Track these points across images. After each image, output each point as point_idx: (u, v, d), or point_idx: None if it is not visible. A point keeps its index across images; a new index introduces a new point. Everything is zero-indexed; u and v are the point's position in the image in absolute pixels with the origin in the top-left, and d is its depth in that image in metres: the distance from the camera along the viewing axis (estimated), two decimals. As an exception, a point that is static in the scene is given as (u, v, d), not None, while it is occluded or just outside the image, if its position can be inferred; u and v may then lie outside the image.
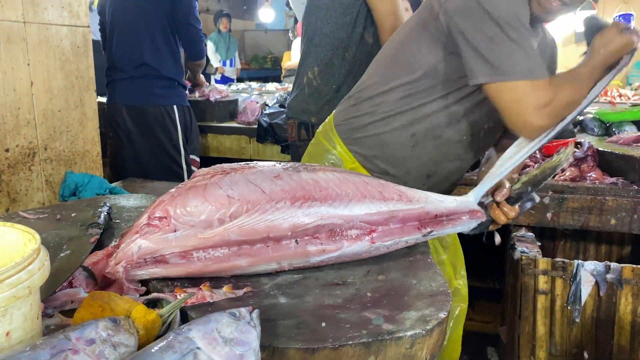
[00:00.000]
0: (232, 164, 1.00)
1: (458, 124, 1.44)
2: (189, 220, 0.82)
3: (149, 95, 2.79)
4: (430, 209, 1.03)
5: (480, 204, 1.20)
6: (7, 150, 1.97)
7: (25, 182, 2.05)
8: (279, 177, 0.89)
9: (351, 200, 0.91)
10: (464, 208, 1.10)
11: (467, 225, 1.13)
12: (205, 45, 7.17)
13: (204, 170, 0.97)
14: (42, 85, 2.09)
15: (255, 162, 1.00)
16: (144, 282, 0.95)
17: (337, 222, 0.91)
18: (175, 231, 0.82)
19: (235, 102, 3.57)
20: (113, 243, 1.14)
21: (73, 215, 1.31)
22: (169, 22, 2.82)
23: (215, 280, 0.91)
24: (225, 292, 0.87)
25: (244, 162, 1.01)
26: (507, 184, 1.26)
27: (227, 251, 0.85)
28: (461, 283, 1.70)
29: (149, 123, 2.80)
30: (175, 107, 2.84)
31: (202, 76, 3.63)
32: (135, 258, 0.82)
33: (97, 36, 3.00)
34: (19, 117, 2.00)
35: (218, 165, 0.99)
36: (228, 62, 7.34)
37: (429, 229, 1.03)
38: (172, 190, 0.91)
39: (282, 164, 0.99)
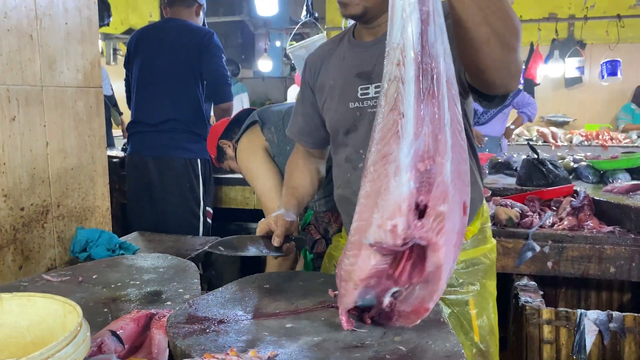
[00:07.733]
0: None
1: None
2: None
3: (176, 149, 2.87)
4: None
5: None
6: (22, 209, 2.02)
7: (38, 240, 2.09)
8: None
9: None
10: None
11: None
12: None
13: None
14: (56, 146, 2.16)
15: None
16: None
17: None
18: None
19: (238, 153, 3.64)
20: (137, 307, 1.18)
21: (94, 277, 1.36)
22: (195, 75, 2.91)
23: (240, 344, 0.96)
24: (251, 356, 0.91)
25: None
26: None
27: None
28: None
29: (175, 175, 2.87)
30: (199, 160, 2.92)
31: None
32: None
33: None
34: (34, 176, 2.07)
35: None
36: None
37: None
38: None
39: None
